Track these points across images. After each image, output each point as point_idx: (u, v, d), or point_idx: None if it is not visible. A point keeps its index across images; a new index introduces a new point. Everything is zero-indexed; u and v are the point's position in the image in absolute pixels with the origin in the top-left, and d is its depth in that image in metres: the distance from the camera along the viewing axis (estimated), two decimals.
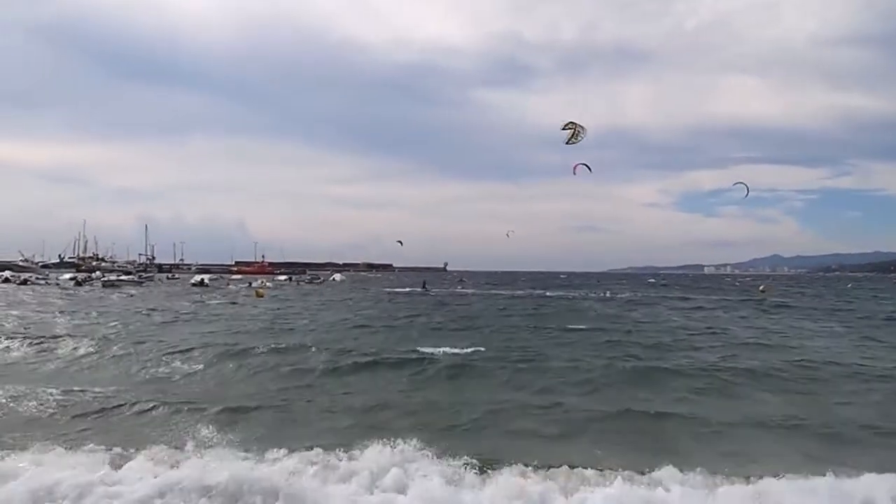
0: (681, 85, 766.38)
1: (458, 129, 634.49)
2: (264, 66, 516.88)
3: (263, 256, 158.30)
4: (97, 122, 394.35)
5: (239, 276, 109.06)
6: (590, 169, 24.95)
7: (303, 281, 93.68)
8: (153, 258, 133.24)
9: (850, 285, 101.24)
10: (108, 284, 66.35)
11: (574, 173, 25.00)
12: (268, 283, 70.89)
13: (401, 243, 79.95)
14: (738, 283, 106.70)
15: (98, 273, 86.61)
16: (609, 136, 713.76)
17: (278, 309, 35.21)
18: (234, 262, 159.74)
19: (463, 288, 71.49)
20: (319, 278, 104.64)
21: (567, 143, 20.78)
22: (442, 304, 41.75)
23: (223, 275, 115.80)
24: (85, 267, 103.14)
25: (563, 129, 20.83)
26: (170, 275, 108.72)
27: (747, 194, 32.82)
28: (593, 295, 56.78)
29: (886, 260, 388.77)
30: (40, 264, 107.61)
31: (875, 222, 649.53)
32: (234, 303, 41.46)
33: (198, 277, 73.74)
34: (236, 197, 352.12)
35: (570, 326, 24.79)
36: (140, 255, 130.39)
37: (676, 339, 21.31)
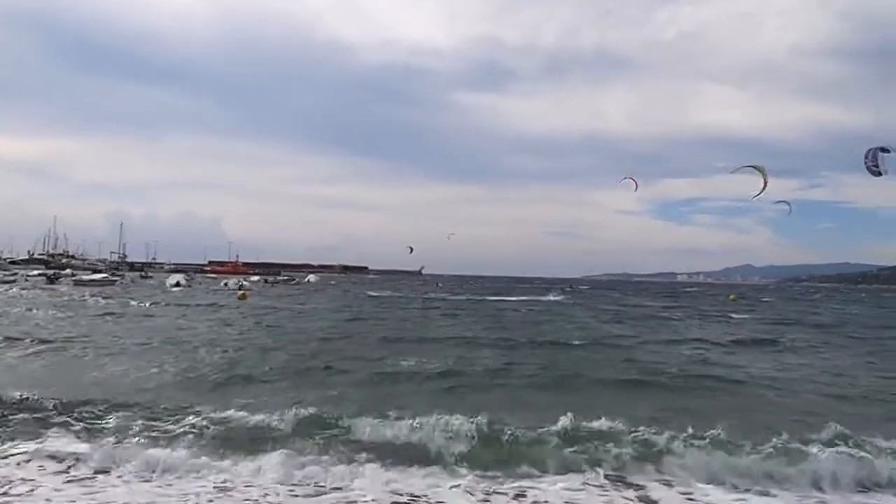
0: (659, 93, 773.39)
1: (438, 132, 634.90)
2: (244, 64, 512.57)
3: (237, 256, 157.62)
4: (70, 115, 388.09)
5: (213, 276, 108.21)
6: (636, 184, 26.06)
7: (278, 283, 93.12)
8: (125, 256, 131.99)
9: (817, 295, 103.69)
10: (79, 283, 65.40)
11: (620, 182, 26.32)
12: (245, 283, 69.95)
13: (411, 250, 79.25)
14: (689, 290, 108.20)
15: (69, 271, 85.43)
16: (587, 142, 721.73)
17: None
18: (207, 262, 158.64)
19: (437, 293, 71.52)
20: (294, 279, 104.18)
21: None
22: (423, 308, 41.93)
23: (197, 274, 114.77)
24: (55, 264, 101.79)
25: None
26: (142, 273, 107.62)
27: (790, 212, 33.94)
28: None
29: (855, 272, 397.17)
30: (8, 260, 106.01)
31: (845, 234, 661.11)
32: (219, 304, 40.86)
33: (174, 278, 72.23)
34: (211, 195, 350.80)
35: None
36: (112, 252, 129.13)
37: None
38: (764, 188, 25.92)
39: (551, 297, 60.50)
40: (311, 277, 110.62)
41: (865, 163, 22.10)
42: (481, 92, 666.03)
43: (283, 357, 16.87)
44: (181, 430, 9.11)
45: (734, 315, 40.81)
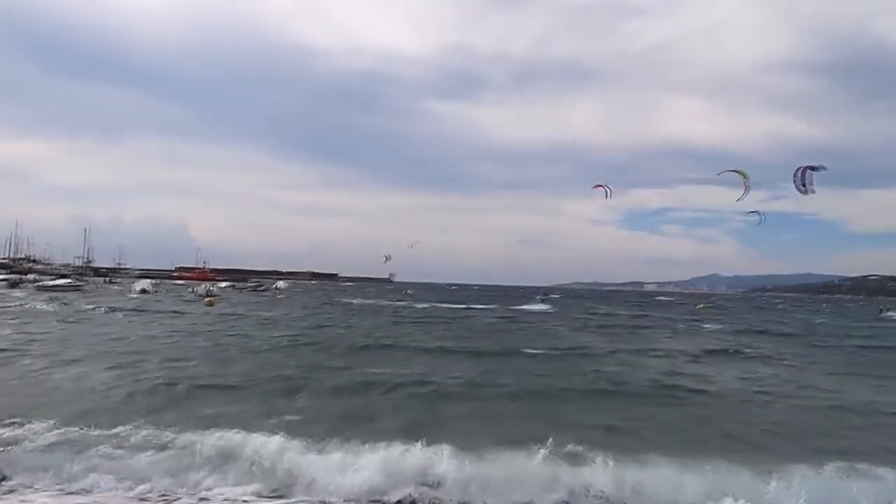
0: (628, 104, 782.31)
1: (409, 139, 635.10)
2: (214, 68, 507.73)
3: (206, 262, 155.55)
4: (33, 117, 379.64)
5: (181, 282, 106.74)
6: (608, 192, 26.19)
7: (247, 289, 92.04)
8: (90, 261, 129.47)
9: (781, 305, 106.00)
10: (42, 288, 63.91)
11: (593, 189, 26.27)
12: (213, 289, 68.84)
13: (387, 258, 78.77)
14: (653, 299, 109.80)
15: (32, 276, 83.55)
16: (557, 151, 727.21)
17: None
18: (175, 268, 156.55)
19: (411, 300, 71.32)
20: (263, 286, 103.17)
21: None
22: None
23: (165, 280, 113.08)
24: (17, 269, 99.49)
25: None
26: (108, 279, 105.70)
27: (761, 222, 34.34)
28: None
29: (818, 282, 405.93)
30: None
31: (808, 246, 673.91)
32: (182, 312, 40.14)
33: (140, 284, 70.58)
34: (179, 201, 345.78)
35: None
36: (76, 257, 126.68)
37: None
38: (745, 193, 26.19)
39: (532, 307, 60.70)
40: (281, 284, 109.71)
41: (794, 181, 22.42)
42: (452, 100, 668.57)
43: (242, 367, 16.30)
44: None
45: (705, 325, 41.11)
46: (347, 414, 11.37)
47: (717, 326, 40.61)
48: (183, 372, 15.21)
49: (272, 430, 9.25)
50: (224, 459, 8.40)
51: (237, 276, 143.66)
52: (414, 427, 9.99)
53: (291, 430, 9.40)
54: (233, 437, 8.92)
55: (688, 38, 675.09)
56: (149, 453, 8.50)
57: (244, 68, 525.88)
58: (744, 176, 25.83)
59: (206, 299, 52.00)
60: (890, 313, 68.19)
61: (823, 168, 22.64)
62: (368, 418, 11.07)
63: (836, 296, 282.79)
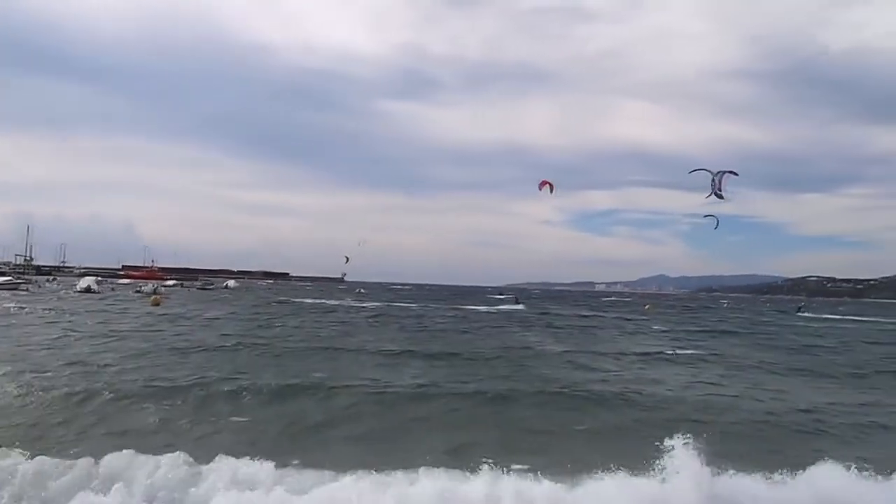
0: (579, 107, 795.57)
1: (364, 139, 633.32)
2: (164, 63, 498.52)
3: (154, 261, 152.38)
4: None
5: (127, 281, 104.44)
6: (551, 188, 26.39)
7: (196, 288, 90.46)
8: (31, 259, 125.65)
9: (725, 304, 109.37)
10: None
11: (539, 189, 26.37)
12: (161, 288, 67.28)
13: (347, 259, 78.04)
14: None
15: None
16: (510, 153, 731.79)
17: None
18: (121, 266, 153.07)
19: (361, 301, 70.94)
20: (213, 285, 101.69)
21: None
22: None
23: (111, 279, 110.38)
24: None
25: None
26: (50, 278, 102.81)
27: (717, 226, 35.10)
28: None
29: (761, 283, 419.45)
30: None
31: (753, 247, 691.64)
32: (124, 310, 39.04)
33: (84, 282, 68.30)
34: (125, 197, 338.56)
35: None
36: (17, 255, 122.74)
37: None
38: (710, 195, 26.85)
39: (504, 307, 61.36)
40: (231, 283, 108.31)
41: (712, 187, 23.01)
42: (405, 100, 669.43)
43: (174, 371, 15.30)
44: None
45: (654, 327, 41.75)
46: (283, 430, 10.66)
47: (666, 327, 41.29)
48: (101, 378, 13.87)
49: (176, 448, 8.19)
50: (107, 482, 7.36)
51: (186, 275, 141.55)
52: (361, 442, 9.63)
53: (205, 449, 8.44)
54: (114, 460, 7.73)
55: (639, 44, 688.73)
56: None
57: (196, 64, 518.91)
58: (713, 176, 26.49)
59: (152, 297, 50.59)
60: (805, 313, 73.27)
61: (735, 174, 23.23)
62: (308, 430, 10.65)
63: (778, 296, 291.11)
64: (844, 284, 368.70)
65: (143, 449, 8.10)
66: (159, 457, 7.81)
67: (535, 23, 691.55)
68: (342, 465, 7.99)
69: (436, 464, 8.22)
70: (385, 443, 9.55)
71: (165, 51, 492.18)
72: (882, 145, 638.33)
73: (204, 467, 7.69)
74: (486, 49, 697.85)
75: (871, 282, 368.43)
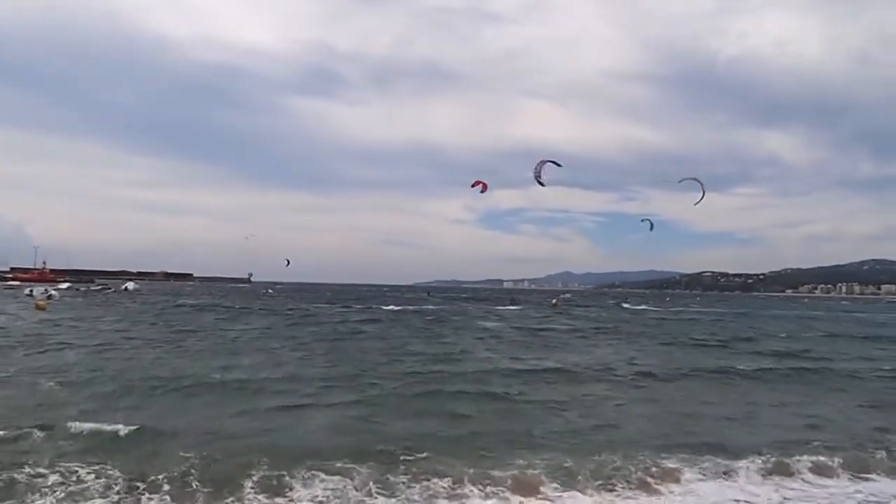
0: (486, 107, 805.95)
1: (269, 137, 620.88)
2: (59, 56, 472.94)
3: (45, 263, 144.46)
4: None
5: (16, 284, 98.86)
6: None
7: (91, 291, 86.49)
8: None
9: (627, 300, 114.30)
10: None
11: (472, 186, 27.73)
12: (52, 292, 63.42)
13: (288, 262, 75.93)
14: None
15: None
16: (419, 152, 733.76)
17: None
18: (9, 269, 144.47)
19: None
20: (110, 287, 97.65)
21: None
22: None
23: None
24: None
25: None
26: None
27: (652, 228, 37.64)
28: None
29: (661, 278, 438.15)
30: None
31: (653, 244, 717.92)
32: None
33: None
34: (14, 195, 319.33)
35: None
36: None
37: None
38: (702, 198, 28.28)
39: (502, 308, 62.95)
40: (130, 285, 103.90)
41: (534, 173, 24.61)
42: (312, 97, 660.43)
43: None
44: None
45: (562, 319, 43.04)
46: None
47: (576, 324, 42.77)
48: None
49: None
50: None
51: (82, 276, 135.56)
52: None
53: None
54: None
55: (543, 46, 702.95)
56: None
57: (95, 57, 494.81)
58: (700, 183, 28.48)
59: (38, 302, 46.56)
60: (626, 304, 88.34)
61: (559, 164, 24.92)
62: None
63: (677, 290, 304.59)
64: (736, 279, 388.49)
65: None
66: None
67: (441, 22, 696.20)
68: None
69: None
70: None
71: (61, 42, 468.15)
72: (769, 148, 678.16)
73: None
74: (392, 47, 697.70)
75: (761, 276, 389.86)
